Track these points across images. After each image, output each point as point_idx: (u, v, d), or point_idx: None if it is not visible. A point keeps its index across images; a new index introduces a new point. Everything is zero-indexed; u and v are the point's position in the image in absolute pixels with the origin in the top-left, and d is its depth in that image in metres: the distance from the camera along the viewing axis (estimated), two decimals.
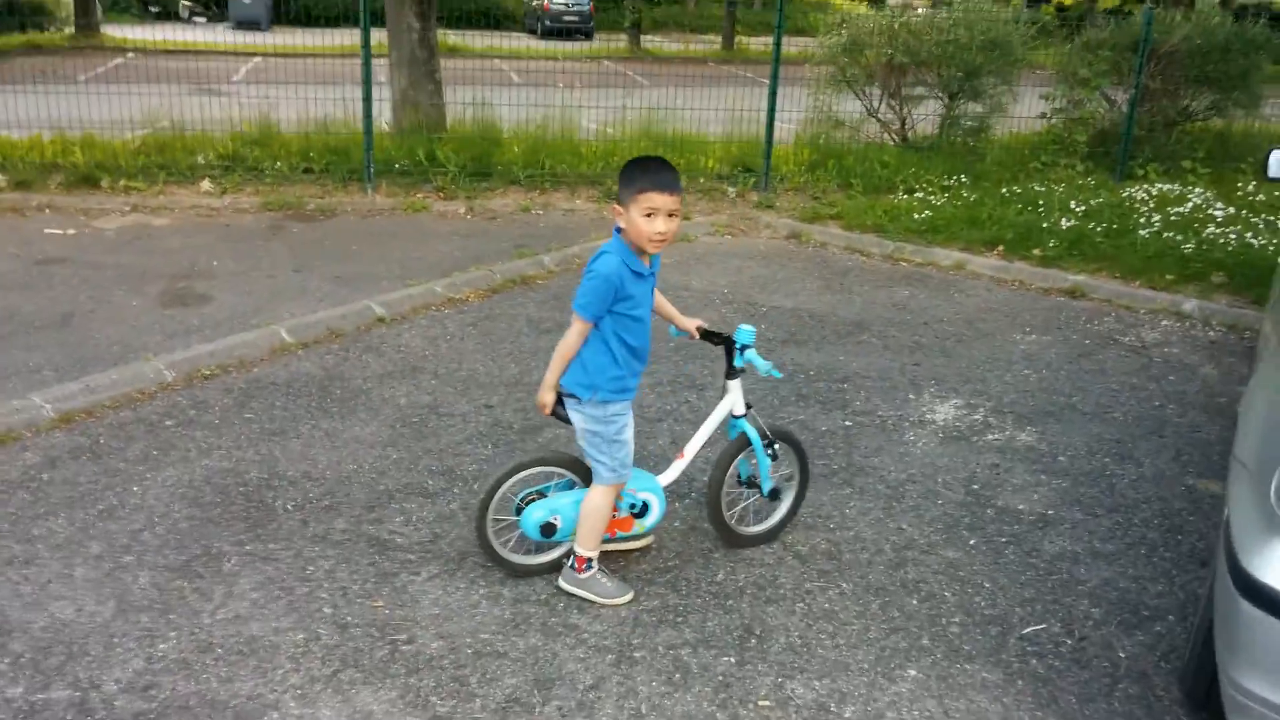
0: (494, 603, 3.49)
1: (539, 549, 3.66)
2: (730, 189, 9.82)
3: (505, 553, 3.60)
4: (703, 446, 3.72)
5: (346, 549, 3.78)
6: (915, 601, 3.60)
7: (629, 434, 3.43)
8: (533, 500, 3.53)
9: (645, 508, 3.61)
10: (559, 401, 3.44)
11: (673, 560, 3.79)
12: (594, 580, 3.49)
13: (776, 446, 3.77)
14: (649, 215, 3.17)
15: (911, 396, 5.41)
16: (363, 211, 8.86)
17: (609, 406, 3.35)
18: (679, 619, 3.44)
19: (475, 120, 10.36)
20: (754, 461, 3.77)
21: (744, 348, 3.67)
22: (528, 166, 9.67)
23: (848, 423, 5.05)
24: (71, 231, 7.78)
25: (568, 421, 3.45)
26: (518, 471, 3.52)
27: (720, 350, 3.73)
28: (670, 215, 3.17)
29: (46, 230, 7.76)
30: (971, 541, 4.00)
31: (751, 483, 3.82)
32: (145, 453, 4.45)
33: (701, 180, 9.89)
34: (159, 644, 3.22)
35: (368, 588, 3.55)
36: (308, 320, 6.07)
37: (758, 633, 3.39)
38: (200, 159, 9.41)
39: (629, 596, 3.50)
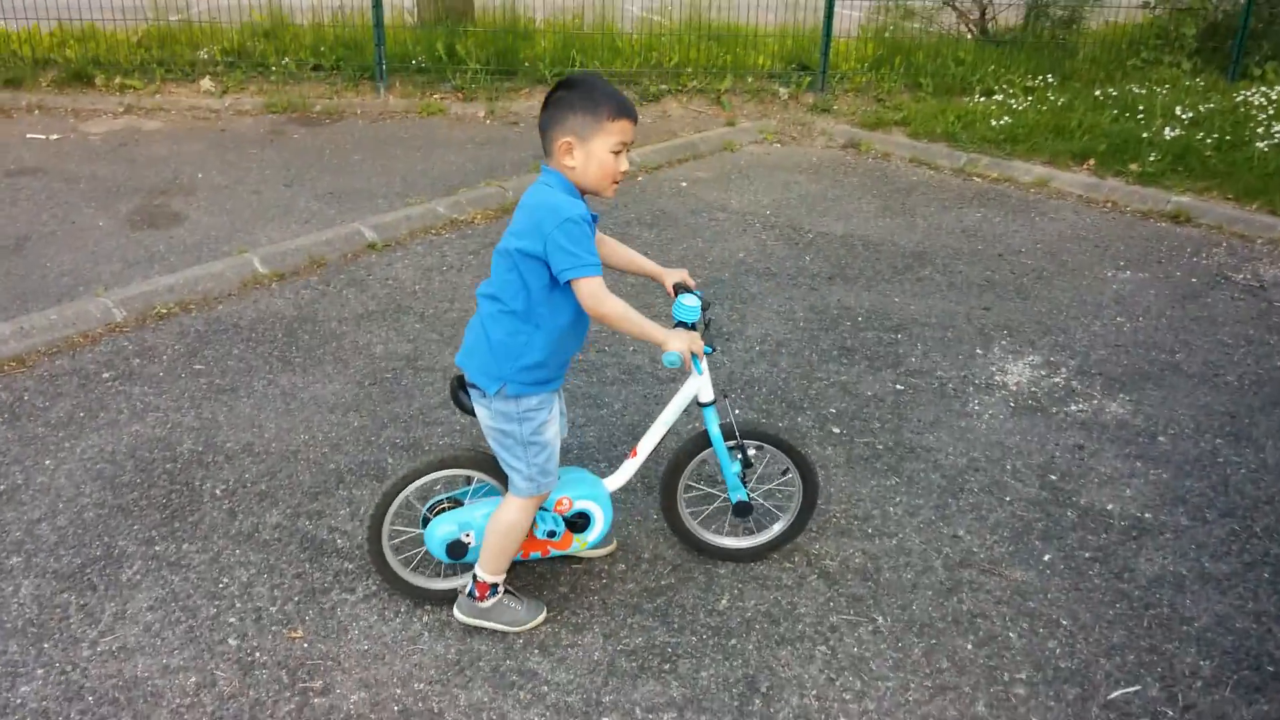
0: (438, 635, 2.81)
1: (451, 568, 2.97)
2: (782, 90, 8.76)
3: (405, 572, 2.90)
4: (661, 441, 2.94)
5: (273, 554, 3.12)
6: (970, 646, 2.84)
7: (551, 432, 2.69)
8: (443, 510, 2.83)
9: (585, 520, 2.87)
10: (460, 386, 2.72)
11: (667, 578, 3.07)
12: (499, 608, 2.82)
13: (751, 451, 2.92)
14: (618, 152, 2.51)
15: (979, 351, 4.55)
16: (372, 115, 8.05)
17: (522, 401, 2.61)
18: (666, 665, 2.73)
19: (504, 9, 9.37)
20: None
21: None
22: (556, 64, 8.71)
23: (899, 386, 4.23)
24: (55, 136, 7.12)
25: (471, 413, 2.71)
26: (419, 476, 2.79)
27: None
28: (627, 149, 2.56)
29: (28, 135, 7.11)
30: (1046, 557, 3.21)
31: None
32: (71, 414, 3.83)
33: (750, 80, 8.84)
34: (20, 685, 2.61)
35: (288, 610, 2.90)
36: (287, 246, 5.35)
37: (764, 689, 2.67)
38: (204, 54, 8.62)
39: (541, 617, 2.85)
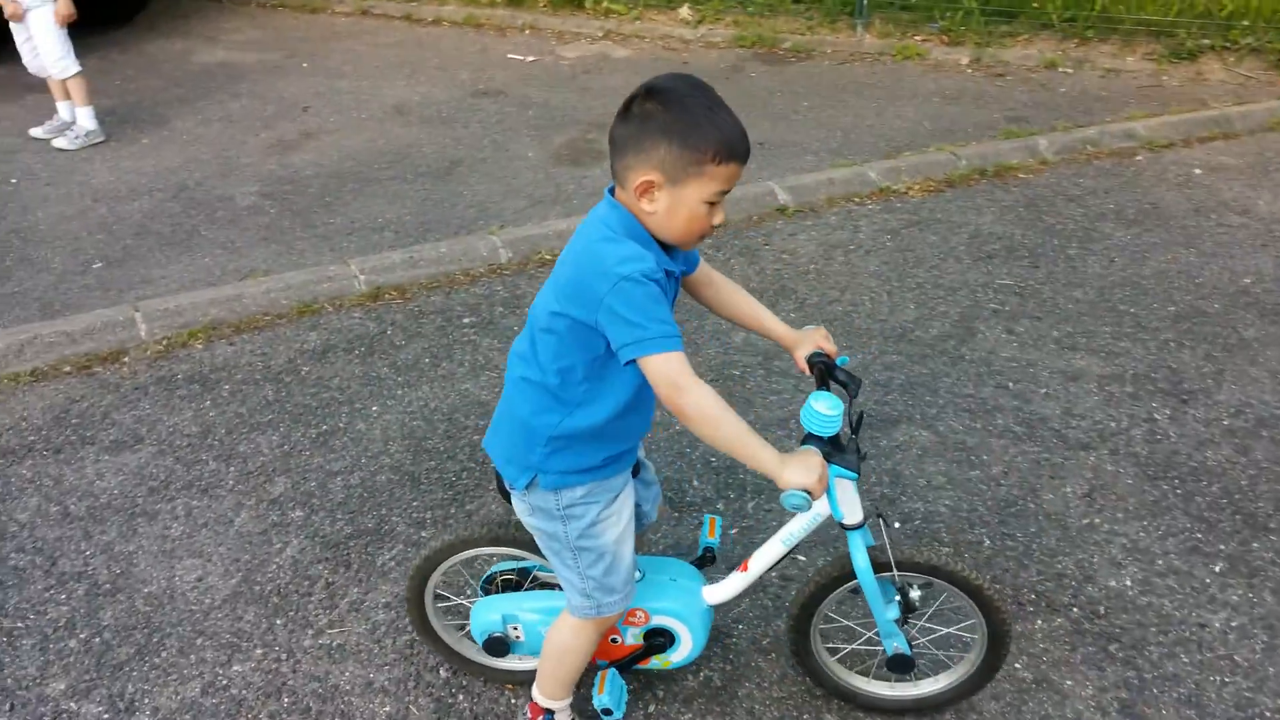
0: None
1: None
2: None
3: (455, 640, 2.39)
4: (782, 560, 2.11)
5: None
6: None
7: (614, 534, 1.96)
8: (508, 581, 2.27)
9: (668, 639, 2.17)
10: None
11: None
12: None
13: (915, 593, 2.05)
14: (715, 202, 1.73)
15: None
16: (842, 55, 7.34)
17: (563, 494, 1.92)
18: None
19: None
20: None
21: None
22: (1069, 5, 7.30)
23: None
24: (531, 59, 7.36)
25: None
26: (457, 551, 2.21)
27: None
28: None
29: (509, 55, 7.42)
30: None
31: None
32: (418, 359, 3.78)
33: None
34: (235, 663, 2.51)
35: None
36: None
37: None
38: None
39: None
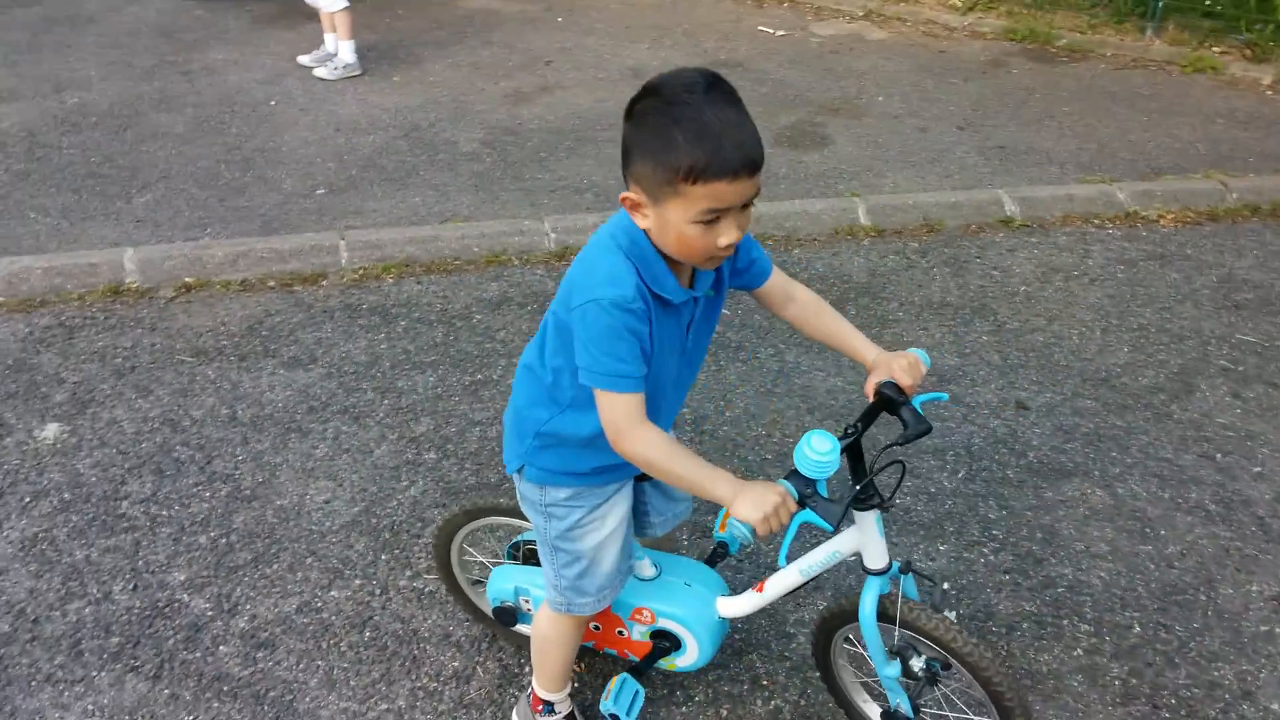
0: None
1: None
2: None
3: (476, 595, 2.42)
4: (799, 589, 2.00)
5: None
6: None
7: (593, 542, 1.89)
8: (532, 552, 2.24)
9: (673, 643, 2.10)
10: None
11: None
12: None
13: (916, 663, 1.88)
14: (709, 223, 1.50)
15: None
16: (1122, 60, 6.66)
17: (548, 491, 1.86)
18: None
19: None
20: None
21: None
22: None
23: None
24: (781, 33, 7.16)
25: None
26: (484, 516, 2.24)
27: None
28: (745, 209, 1.53)
29: (759, 28, 7.25)
30: None
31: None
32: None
33: None
34: (334, 587, 2.61)
35: None
36: (901, 201, 4.66)
37: None
38: None
39: None
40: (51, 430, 3.11)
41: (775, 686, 2.37)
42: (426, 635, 2.48)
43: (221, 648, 2.42)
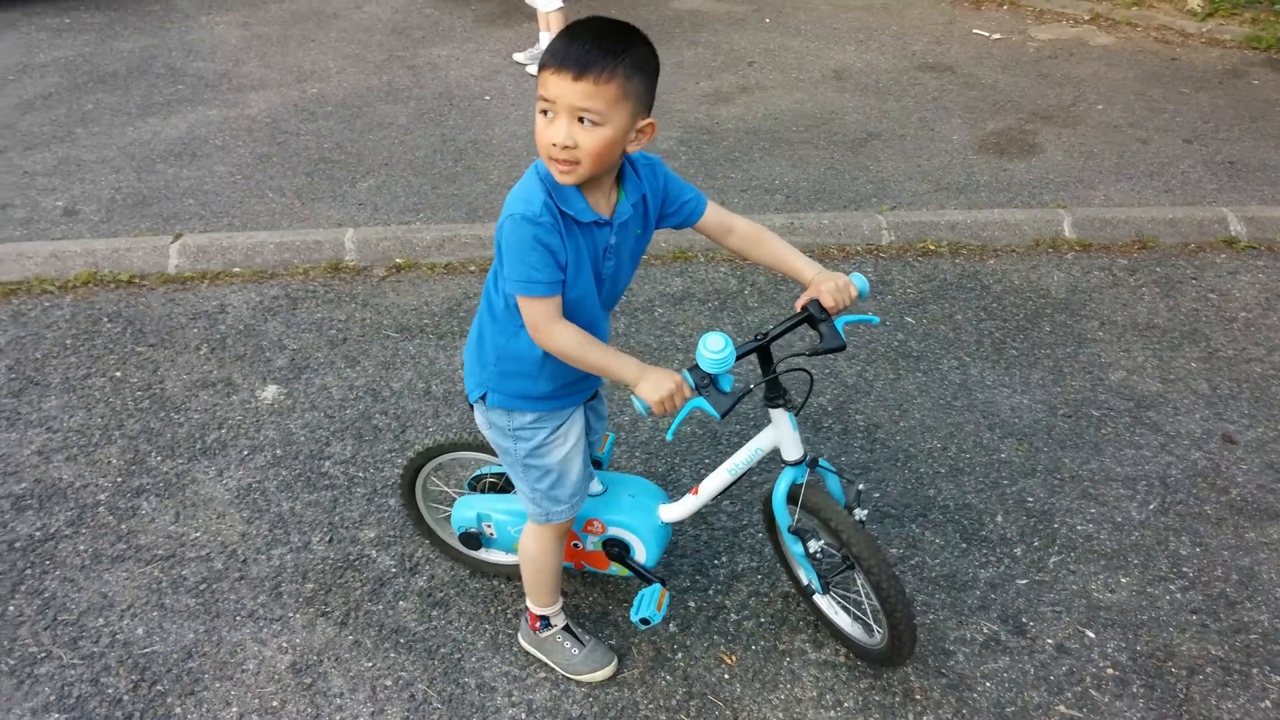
0: None
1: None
2: None
3: (443, 530, 2.68)
4: (730, 486, 2.29)
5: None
6: None
7: (559, 455, 2.12)
8: (493, 484, 2.54)
9: (625, 549, 2.39)
10: None
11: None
12: (552, 644, 2.43)
13: (812, 545, 2.28)
14: (546, 115, 1.74)
15: None
16: None
17: (513, 416, 2.08)
18: None
19: None
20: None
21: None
22: None
23: None
24: (996, 36, 6.91)
25: None
26: (445, 452, 2.49)
27: None
28: (583, 121, 1.71)
29: (974, 30, 7.02)
30: None
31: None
32: (760, 325, 3.80)
33: None
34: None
35: (746, 626, 2.51)
36: (1112, 215, 4.43)
37: None
38: None
39: (604, 672, 2.39)
40: (271, 391, 3.42)
41: (928, 702, 2.34)
42: (586, 611, 2.59)
43: (401, 603, 2.61)
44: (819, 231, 4.34)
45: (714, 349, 1.82)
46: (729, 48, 6.62)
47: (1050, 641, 2.51)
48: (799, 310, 1.98)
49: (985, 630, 2.53)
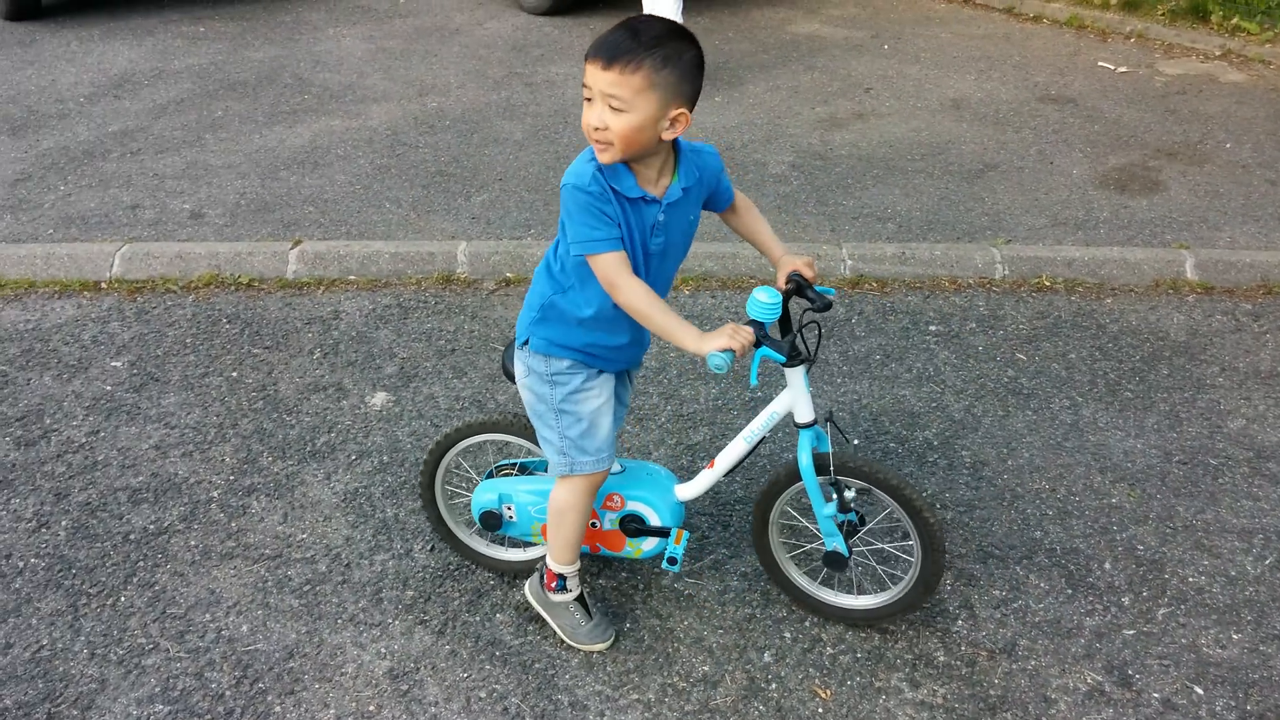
0: None
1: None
2: None
3: (466, 535, 2.77)
4: (746, 457, 2.43)
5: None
6: None
7: (592, 407, 2.27)
8: (507, 474, 2.65)
9: (640, 525, 2.52)
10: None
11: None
12: (562, 609, 2.54)
13: (849, 493, 2.37)
14: (588, 99, 1.96)
15: None
16: None
17: (552, 361, 2.25)
18: None
19: None
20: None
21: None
22: None
23: None
24: (1122, 69, 6.71)
25: (514, 378, 2.37)
26: (464, 437, 2.61)
27: None
28: (611, 107, 1.91)
29: (1099, 63, 6.83)
30: None
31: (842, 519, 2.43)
32: (868, 354, 3.76)
33: None
34: (600, 576, 2.78)
35: (841, 661, 2.48)
36: (1238, 259, 4.26)
37: None
38: None
39: (605, 644, 2.53)
40: (380, 398, 3.52)
41: None
42: (681, 635, 2.59)
43: (498, 615, 2.65)
44: (930, 263, 4.27)
45: (770, 300, 2.04)
46: (846, 73, 6.58)
47: (1156, 695, 2.41)
48: (784, 283, 2.22)
49: (1089, 680, 2.45)
